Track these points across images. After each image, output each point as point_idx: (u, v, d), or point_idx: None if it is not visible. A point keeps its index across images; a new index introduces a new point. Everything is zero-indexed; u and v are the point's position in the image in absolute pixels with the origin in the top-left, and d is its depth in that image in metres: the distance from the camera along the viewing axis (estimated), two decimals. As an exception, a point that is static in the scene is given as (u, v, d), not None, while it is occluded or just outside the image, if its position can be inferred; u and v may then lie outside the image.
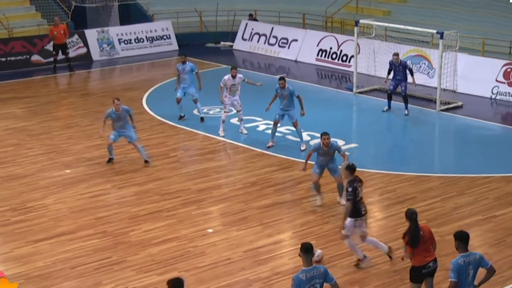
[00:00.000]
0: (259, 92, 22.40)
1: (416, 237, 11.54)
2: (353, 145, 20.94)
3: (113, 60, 32.82)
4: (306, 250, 10.45)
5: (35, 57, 31.13)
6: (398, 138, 22.64)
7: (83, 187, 17.86)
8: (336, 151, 16.35)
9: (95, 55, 32.76)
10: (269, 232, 15.15)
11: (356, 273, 13.66)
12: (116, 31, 33.70)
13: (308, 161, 16.58)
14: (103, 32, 33.29)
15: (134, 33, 33.94)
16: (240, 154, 20.45)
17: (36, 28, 33.11)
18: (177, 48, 34.29)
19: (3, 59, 30.34)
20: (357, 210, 13.65)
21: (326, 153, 16.28)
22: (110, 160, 19.45)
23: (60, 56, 30.29)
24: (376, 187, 17.90)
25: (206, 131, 22.04)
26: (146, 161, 19.32)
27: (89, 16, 36.33)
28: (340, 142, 20.82)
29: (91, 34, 32.90)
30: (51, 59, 30.51)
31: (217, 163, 19.73)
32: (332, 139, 16.28)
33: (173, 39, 34.67)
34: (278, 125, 20.80)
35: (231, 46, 34.90)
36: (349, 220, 13.68)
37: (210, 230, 15.49)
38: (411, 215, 11.66)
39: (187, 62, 23.04)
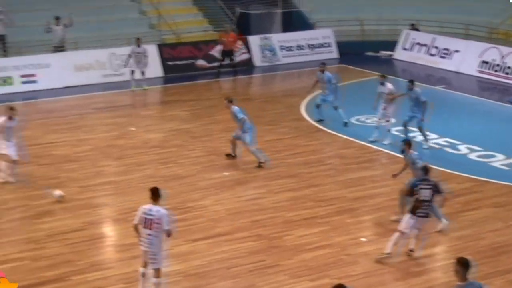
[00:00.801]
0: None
1: None
2: (513, 160, 20.27)
3: (274, 66, 33.22)
4: (463, 264, 10.19)
5: (200, 62, 31.96)
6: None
7: (240, 190, 18.15)
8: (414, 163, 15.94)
9: (257, 61, 33.26)
10: (423, 245, 14.87)
11: (512, 292, 13.22)
12: (278, 38, 34.10)
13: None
14: (265, 38, 33.77)
15: (296, 40, 34.22)
16: (397, 165, 20.13)
17: (202, 34, 34.01)
18: (337, 56, 34.31)
19: (171, 63, 31.30)
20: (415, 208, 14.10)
21: (406, 163, 16.20)
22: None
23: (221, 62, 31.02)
24: (536, 204, 17.24)
25: (363, 139, 21.88)
26: (260, 163, 19.48)
27: (253, 23, 36.92)
28: (500, 156, 20.23)
29: (254, 41, 33.44)
30: (215, 63, 31.25)
31: (373, 172, 19.57)
32: (415, 152, 16.21)
33: (334, 47, 34.70)
34: (407, 127, 20.96)
35: (391, 55, 34.54)
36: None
37: (363, 239, 15.38)
38: None
39: (325, 72, 23.21)
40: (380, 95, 21.62)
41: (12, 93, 28.43)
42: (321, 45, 34.55)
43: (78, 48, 30.83)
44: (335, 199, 17.53)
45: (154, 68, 30.92)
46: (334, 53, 34.53)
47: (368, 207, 17.08)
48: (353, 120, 23.46)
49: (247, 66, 32.57)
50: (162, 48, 31.64)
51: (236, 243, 15.26)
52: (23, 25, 31.21)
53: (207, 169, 19.67)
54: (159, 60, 31.15)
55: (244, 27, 35.13)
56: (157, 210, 12.47)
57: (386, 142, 21.44)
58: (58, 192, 17.41)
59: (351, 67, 31.95)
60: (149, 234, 12.43)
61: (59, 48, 30.42)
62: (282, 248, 15.02)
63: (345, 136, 22.35)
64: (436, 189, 14.17)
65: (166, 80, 30.53)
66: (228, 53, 31.13)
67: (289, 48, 33.98)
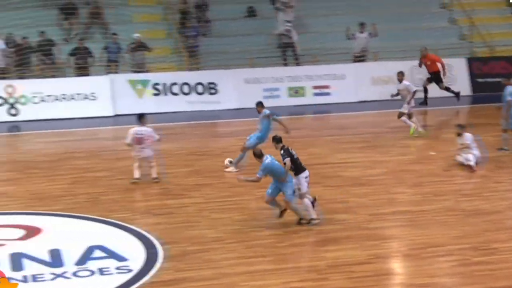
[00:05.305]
0: None
1: None
2: None
3: None
4: None
5: (516, 80, 30.95)
6: None
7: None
8: None
9: None
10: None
11: None
12: None
13: None
14: None
15: None
16: None
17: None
18: None
19: (481, 80, 30.66)
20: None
21: None
22: None
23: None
24: None
25: None
26: None
27: None
28: None
29: None
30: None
31: None
32: None
33: None
34: None
35: None
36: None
37: None
38: None
39: None
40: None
41: (303, 105, 29.43)
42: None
43: (378, 58, 31.15)
44: None
45: (462, 84, 30.47)
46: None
47: None
48: None
49: None
50: (472, 62, 31.11)
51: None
52: (317, 31, 32.15)
53: (517, 205, 18.98)
54: (467, 76, 30.67)
55: None
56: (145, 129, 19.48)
57: None
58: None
59: None
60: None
61: (360, 57, 30.97)
62: None
63: None
64: None
65: (475, 99, 29.95)
66: (434, 77, 29.14)
67: None
